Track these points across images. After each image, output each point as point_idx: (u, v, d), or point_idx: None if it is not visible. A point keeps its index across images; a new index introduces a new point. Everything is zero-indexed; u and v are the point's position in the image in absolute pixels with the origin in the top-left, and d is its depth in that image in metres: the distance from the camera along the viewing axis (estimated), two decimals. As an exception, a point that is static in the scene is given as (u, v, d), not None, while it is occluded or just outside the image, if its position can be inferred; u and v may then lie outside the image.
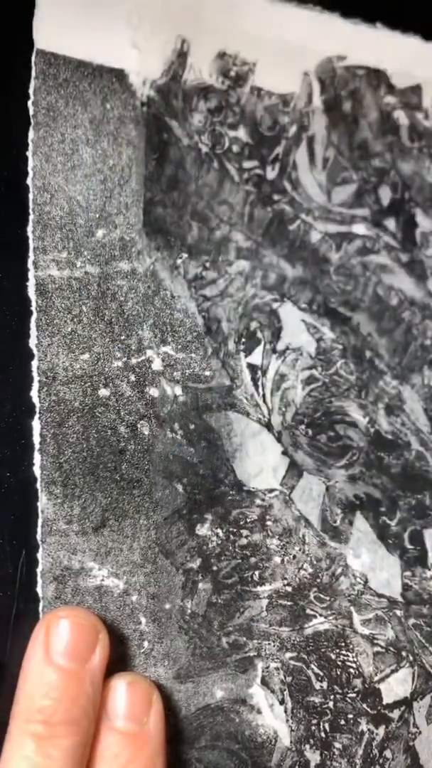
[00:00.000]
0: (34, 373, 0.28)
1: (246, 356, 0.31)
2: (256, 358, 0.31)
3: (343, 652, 0.31)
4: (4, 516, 0.28)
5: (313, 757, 0.30)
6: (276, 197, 0.32)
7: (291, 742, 0.30)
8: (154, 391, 0.29)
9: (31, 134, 0.29)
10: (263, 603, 0.30)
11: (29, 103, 0.29)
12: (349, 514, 0.32)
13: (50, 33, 0.29)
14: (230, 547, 0.30)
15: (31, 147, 0.29)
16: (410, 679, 0.32)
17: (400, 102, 0.34)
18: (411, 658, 0.32)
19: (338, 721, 0.31)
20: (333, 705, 0.31)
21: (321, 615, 0.31)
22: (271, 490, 0.31)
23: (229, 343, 0.31)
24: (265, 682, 0.30)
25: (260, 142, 0.32)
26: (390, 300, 0.33)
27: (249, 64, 0.32)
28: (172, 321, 0.30)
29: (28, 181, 0.29)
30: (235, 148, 0.32)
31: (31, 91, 0.29)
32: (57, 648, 0.25)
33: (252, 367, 0.31)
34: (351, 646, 0.31)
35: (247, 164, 0.32)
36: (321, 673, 0.31)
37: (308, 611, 0.31)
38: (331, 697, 0.31)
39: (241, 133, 0.32)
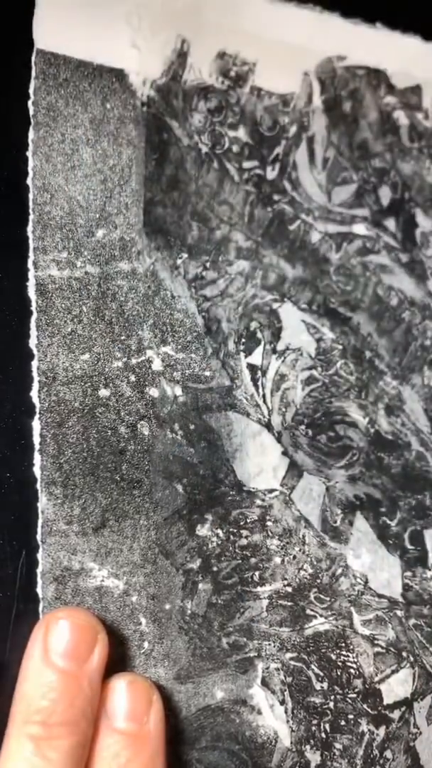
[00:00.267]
0: (34, 374, 0.28)
1: (246, 356, 0.31)
2: (256, 358, 0.31)
3: (344, 652, 0.31)
4: (4, 516, 0.28)
5: (314, 757, 0.30)
6: (276, 197, 0.32)
7: (291, 742, 0.30)
8: (154, 392, 0.29)
9: (31, 134, 0.29)
10: (263, 603, 0.30)
11: (29, 103, 0.29)
12: (350, 514, 0.32)
13: (50, 33, 0.29)
14: (230, 548, 0.30)
15: (31, 147, 0.28)
16: (411, 680, 0.32)
17: (400, 102, 0.34)
18: (411, 658, 0.32)
19: (339, 721, 0.31)
20: (333, 705, 0.31)
21: (321, 615, 0.31)
22: (271, 491, 0.31)
23: (229, 343, 0.31)
24: (265, 683, 0.30)
25: (260, 142, 0.32)
26: (390, 300, 0.33)
27: (249, 64, 0.32)
28: (172, 321, 0.30)
29: (28, 181, 0.29)
30: (235, 148, 0.32)
31: (31, 90, 0.29)
32: (56, 649, 0.25)
33: (252, 368, 0.31)
34: (351, 647, 0.31)
35: (247, 164, 0.32)
36: (321, 674, 0.31)
37: (308, 612, 0.31)
38: (332, 697, 0.31)
39: (241, 133, 0.32)
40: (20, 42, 0.29)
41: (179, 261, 0.30)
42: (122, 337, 0.29)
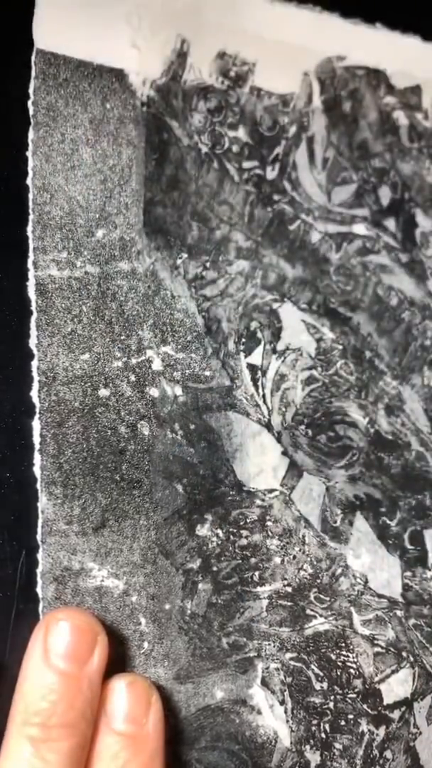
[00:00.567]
0: (34, 373, 0.28)
1: (246, 356, 0.31)
2: (256, 358, 0.31)
3: (344, 652, 0.31)
4: (4, 516, 0.28)
5: (314, 757, 0.30)
6: (276, 197, 0.32)
7: (291, 742, 0.30)
8: (154, 391, 0.29)
9: (31, 134, 0.29)
10: (263, 603, 0.30)
11: (29, 103, 0.29)
12: (349, 514, 0.32)
13: (50, 33, 0.29)
14: (230, 548, 0.30)
15: (31, 147, 0.28)
16: (411, 680, 0.32)
17: (400, 102, 0.34)
18: (411, 658, 0.32)
19: (338, 721, 0.31)
20: (333, 705, 0.31)
21: (321, 615, 0.31)
22: (271, 491, 0.31)
23: (229, 343, 0.31)
24: (265, 683, 0.30)
25: (260, 142, 0.32)
26: (390, 300, 0.33)
27: (249, 64, 0.32)
28: (172, 321, 0.30)
29: (28, 181, 0.29)
30: (235, 148, 0.32)
31: (31, 91, 0.29)
32: (56, 650, 0.25)
33: (252, 368, 0.31)
34: (351, 647, 0.31)
35: (247, 164, 0.32)
36: (321, 674, 0.31)
37: (308, 612, 0.31)
38: (332, 697, 0.31)
39: (241, 133, 0.32)
40: (20, 42, 0.29)
41: (179, 261, 0.30)
42: (122, 337, 0.29)
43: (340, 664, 0.31)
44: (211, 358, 0.30)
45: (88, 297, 0.29)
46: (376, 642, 0.31)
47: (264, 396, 0.31)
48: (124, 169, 0.30)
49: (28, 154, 0.29)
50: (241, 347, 0.31)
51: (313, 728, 0.30)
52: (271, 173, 0.32)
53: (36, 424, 0.28)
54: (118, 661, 0.28)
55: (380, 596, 0.32)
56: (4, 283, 0.29)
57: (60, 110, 0.29)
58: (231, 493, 0.30)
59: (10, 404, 0.28)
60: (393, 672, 0.32)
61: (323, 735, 0.30)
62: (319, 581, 0.31)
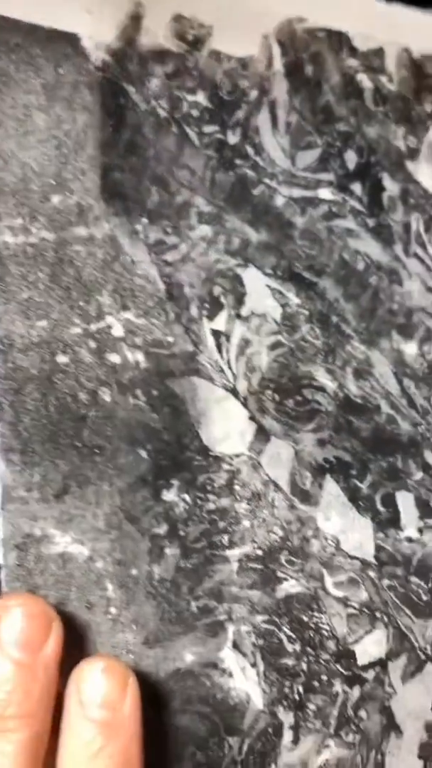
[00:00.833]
0: (-9, 342, 0.28)
1: (209, 322, 0.31)
2: (219, 323, 0.31)
3: (316, 614, 0.31)
4: (-33, 487, 0.28)
5: (287, 718, 0.30)
6: (238, 162, 0.32)
7: (264, 704, 0.30)
8: (114, 358, 0.29)
9: (-19, 100, 0.28)
10: (233, 567, 0.30)
11: (-22, 68, 0.28)
12: (319, 477, 0.32)
13: (-3, -5, 0.28)
14: (198, 512, 0.30)
15: (-19, 113, 0.28)
16: (385, 640, 0.32)
17: (363, 65, 0.34)
18: (386, 619, 0.32)
19: (312, 682, 0.31)
20: (306, 667, 0.31)
21: (292, 578, 0.31)
22: (239, 455, 0.31)
23: (191, 308, 0.31)
24: (236, 646, 0.30)
25: (220, 107, 0.32)
26: (356, 265, 0.33)
27: (206, 27, 0.31)
28: (132, 287, 0.30)
29: (-20, 147, 0.28)
30: (195, 113, 0.31)
31: (-20, 55, 0.28)
32: (8, 638, 0.25)
33: (216, 333, 0.31)
34: (324, 609, 0.31)
35: (207, 129, 0.31)
36: (293, 636, 0.31)
37: (279, 574, 0.31)
38: (304, 659, 0.31)
39: (201, 98, 0.31)
40: (-33, 6, 0.28)
41: (139, 226, 0.30)
42: (80, 303, 0.29)
43: (312, 625, 0.31)
44: (174, 324, 0.30)
45: (44, 263, 0.29)
46: (349, 603, 0.31)
47: (228, 361, 0.31)
48: (79, 134, 0.29)
49: (-20, 120, 0.28)
50: (204, 312, 0.31)
51: (286, 690, 0.30)
52: (232, 138, 0.32)
53: (-5, 393, 0.28)
54: (85, 628, 0.28)
55: (352, 558, 0.32)
56: (-41, 252, 0.28)
57: (11, 75, 0.28)
58: (197, 458, 0.30)
59: (-30, 375, 0.28)
60: (367, 633, 0.32)
61: (296, 696, 0.30)
62: (289, 544, 0.31)
